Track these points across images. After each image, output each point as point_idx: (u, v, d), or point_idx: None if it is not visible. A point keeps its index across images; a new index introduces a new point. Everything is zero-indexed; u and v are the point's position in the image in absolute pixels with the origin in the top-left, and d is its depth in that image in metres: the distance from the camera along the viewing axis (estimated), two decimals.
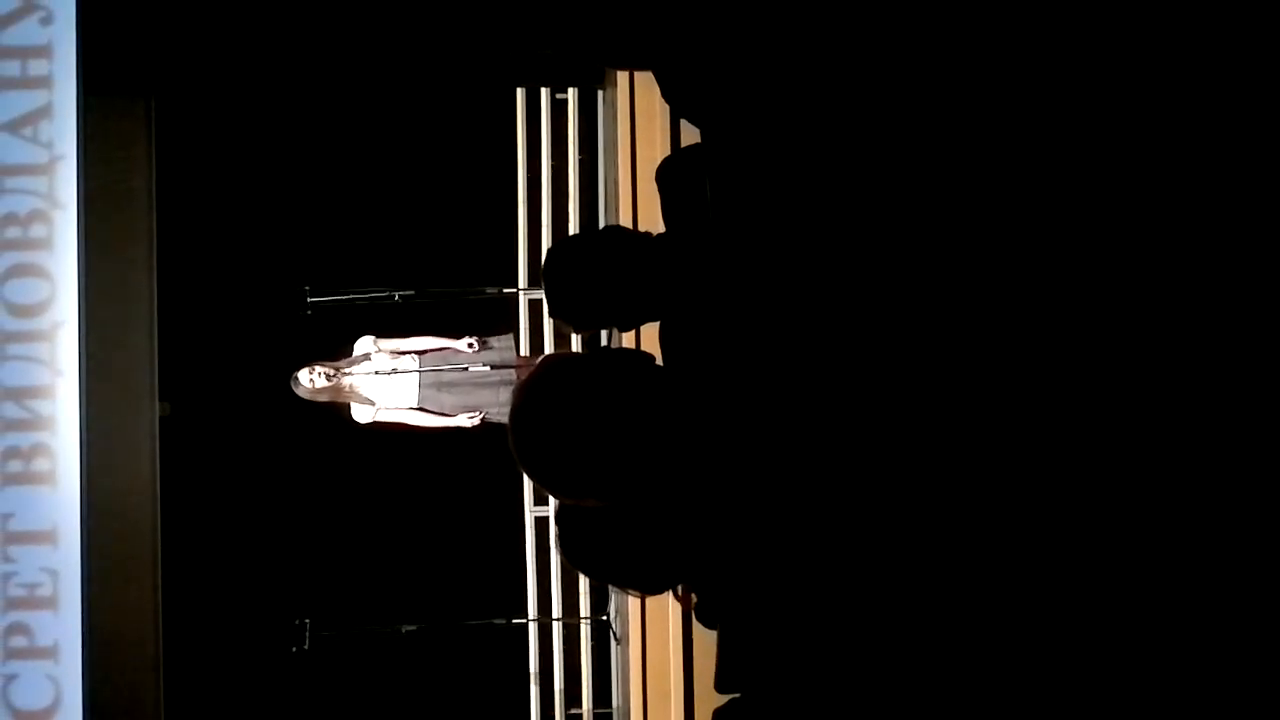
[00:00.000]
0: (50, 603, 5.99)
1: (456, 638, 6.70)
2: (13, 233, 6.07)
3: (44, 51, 6.10)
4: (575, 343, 6.33)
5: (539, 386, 1.85)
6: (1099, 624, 1.67)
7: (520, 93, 7.00)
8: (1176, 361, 1.68)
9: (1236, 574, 1.64)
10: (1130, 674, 1.66)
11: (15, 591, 5.98)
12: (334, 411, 6.51)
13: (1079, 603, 1.67)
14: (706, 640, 2.13)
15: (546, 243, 6.85)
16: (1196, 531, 1.65)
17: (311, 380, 6.35)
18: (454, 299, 6.75)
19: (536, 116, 6.99)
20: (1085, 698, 1.67)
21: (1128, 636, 1.66)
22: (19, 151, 6.08)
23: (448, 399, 6.46)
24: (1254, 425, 1.65)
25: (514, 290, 6.89)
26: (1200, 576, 1.65)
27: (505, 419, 1.90)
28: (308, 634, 6.32)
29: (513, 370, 6.41)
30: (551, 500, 5.77)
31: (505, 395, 6.28)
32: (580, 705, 6.78)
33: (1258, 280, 1.68)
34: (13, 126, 6.09)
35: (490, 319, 6.74)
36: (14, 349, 6.06)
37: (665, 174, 2.64)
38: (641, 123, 5.63)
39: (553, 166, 6.97)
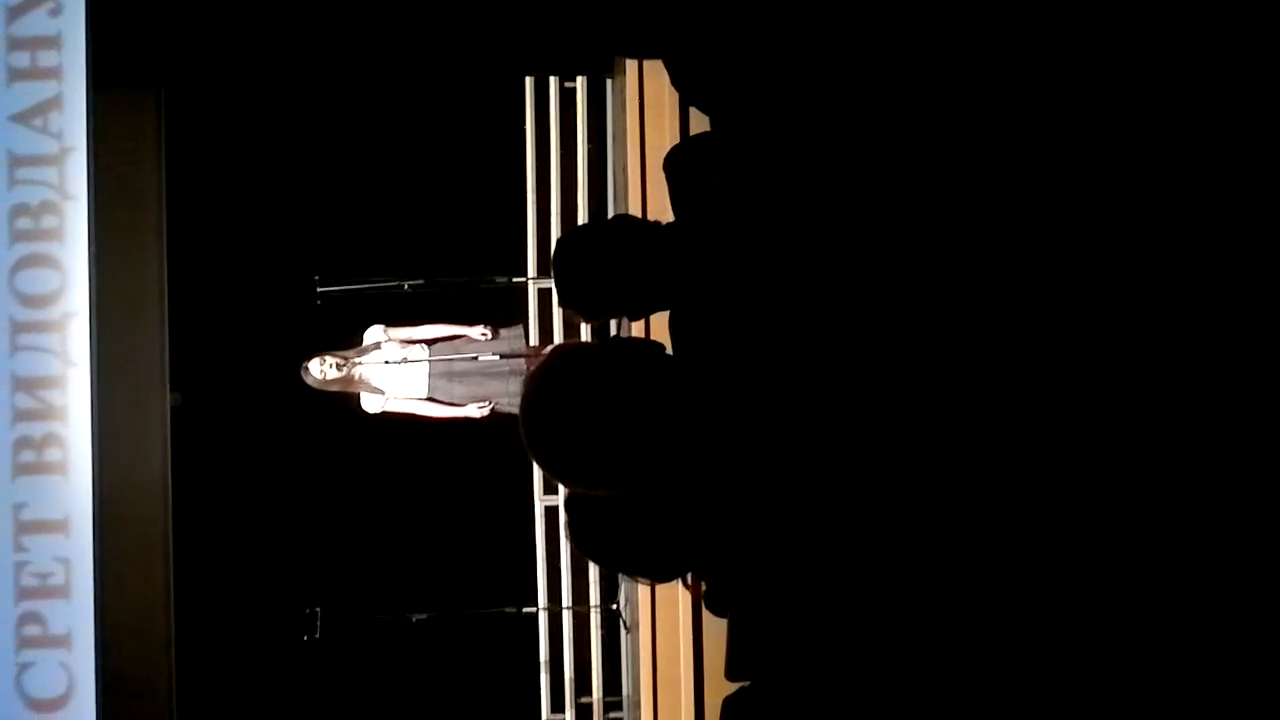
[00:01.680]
0: (63, 591, 6.00)
1: (466, 626, 6.71)
2: (24, 224, 6.09)
3: (54, 43, 6.11)
4: (585, 332, 6.33)
5: (550, 376, 1.85)
6: (1099, 610, 1.67)
7: (529, 81, 6.98)
8: (1175, 362, 1.68)
9: (1236, 574, 1.64)
10: (1130, 673, 1.67)
11: (28, 581, 6.00)
12: (344, 401, 6.52)
13: (1080, 587, 1.67)
14: (716, 628, 2.13)
15: (555, 232, 6.84)
16: (1196, 531, 1.66)
17: (322, 370, 6.37)
18: (463, 288, 6.75)
19: (545, 105, 6.98)
20: (1085, 686, 1.67)
21: (1127, 633, 1.66)
22: (29, 143, 6.09)
23: (458, 389, 6.46)
24: (1253, 425, 1.65)
25: (523, 280, 6.89)
26: (1200, 576, 1.65)
27: (515, 409, 1.90)
28: (318, 622, 6.34)
29: (522, 360, 6.42)
30: (561, 489, 5.77)
31: (515, 385, 6.28)
32: (590, 693, 6.79)
33: (1257, 281, 1.68)
34: (23, 118, 6.10)
35: (500, 308, 6.74)
36: (25, 339, 6.08)
37: (674, 162, 2.63)
38: (650, 111, 5.62)
39: (561, 155, 6.96)
